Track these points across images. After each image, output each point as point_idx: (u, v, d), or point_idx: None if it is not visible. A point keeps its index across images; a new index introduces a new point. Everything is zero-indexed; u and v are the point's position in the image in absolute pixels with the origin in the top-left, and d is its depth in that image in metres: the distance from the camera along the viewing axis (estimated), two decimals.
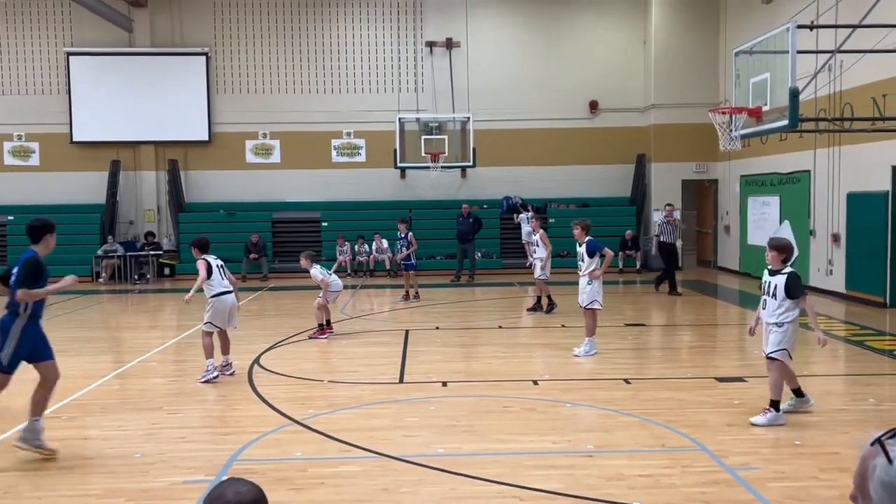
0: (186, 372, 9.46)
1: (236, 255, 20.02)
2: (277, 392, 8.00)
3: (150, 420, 7.13)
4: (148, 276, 19.73)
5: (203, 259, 8.82)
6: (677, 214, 16.82)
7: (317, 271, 10.94)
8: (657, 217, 20.86)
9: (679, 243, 16.42)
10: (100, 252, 19.67)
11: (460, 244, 18.61)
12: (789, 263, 6.87)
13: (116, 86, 21.09)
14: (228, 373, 8.82)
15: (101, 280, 19.40)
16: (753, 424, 6.64)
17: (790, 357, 6.80)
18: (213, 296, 8.74)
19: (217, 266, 8.84)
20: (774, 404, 6.72)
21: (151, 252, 20.02)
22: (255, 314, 14.39)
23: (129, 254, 19.66)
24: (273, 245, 20.76)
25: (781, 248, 6.78)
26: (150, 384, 8.75)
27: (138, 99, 21.13)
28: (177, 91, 21.27)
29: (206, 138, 21.50)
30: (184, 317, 14.39)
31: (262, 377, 8.75)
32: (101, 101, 21.05)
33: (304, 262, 11.07)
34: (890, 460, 1.48)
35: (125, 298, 17.39)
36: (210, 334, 8.65)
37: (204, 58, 21.35)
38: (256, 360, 9.59)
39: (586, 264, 9.71)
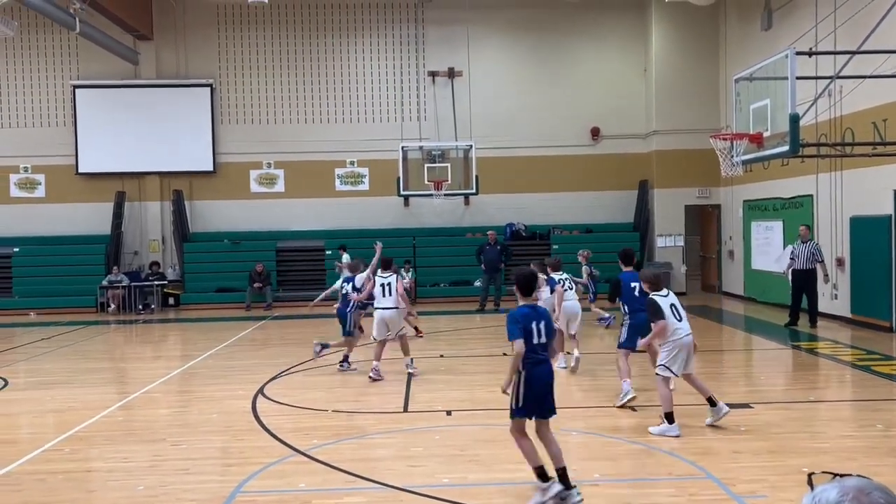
0: (191, 402, 9.45)
1: (241, 284, 20.09)
2: (281, 422, 7.97)
3: (153, 452, 7.10)
4: (152, 306, 19.75)
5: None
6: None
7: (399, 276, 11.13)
8: (661, 242, 20.91)
9: None
10: (104, 283, 19.72)
11: (487, 273, 18.39)
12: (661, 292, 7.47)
13: (122, 117, 21.29)
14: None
15: (109, 310, 19.41)
16: (650, 433, 7.17)
17: (672, 374, 7.29)
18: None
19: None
20: (667, 416, 7.17)
21: (156, 282, 20.07)
22: (260, 344, 14.37)
23: (133, 284, 19.71)
24: (277, 274, 20.79)
25: (645, 279, 7.58)
26: (155, 415, 8.72)
27: (143, 130, 21.32)
28: (182, 122, 21.48)
29: (211, 168, 21.65)
30: (189, 347, 14.40)
31: (266, 407, 8.72)
32: (107, 132, 21.23)
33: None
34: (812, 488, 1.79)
35: (129, 329, 17.40)
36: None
37: (209, 89, 21.58)
38: (261, 391, 9.57)
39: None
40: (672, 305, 7.29)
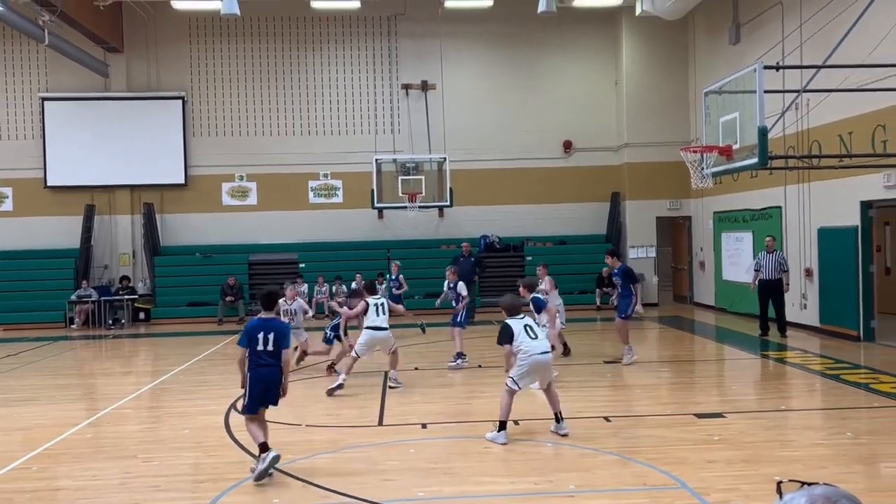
0: (162, 418, 9.32)
1: (213, 298, 19.88)
2: None
3: (123, 469, 6.98)
4: (123, 320, 19.47)
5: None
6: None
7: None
8: (633, 253, 21.09)
9: None
10: (73, 297, 19.41)
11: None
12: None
13: (91, 130, 21.06)
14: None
15: (73, 326, 19.12)
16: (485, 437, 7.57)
17: (517, 388, 7.63)
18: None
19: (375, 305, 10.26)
20: (501, 424, 7.54)
21: (126, 296, 19.80)
22: (233, 358, 14.14)
23: (103, 298, 19.42)
24: (250, 287, 20.60)
25: (503, 307, 8.00)
26: (125, 432, 8.58)
27: (113, 143, 21.10)
28: (153, 135, 21.28)
29: (183, 181, 21.47)
30: (160, 362, 14.22)
31: (239, 422, 8.59)
32: (76, 145, 20.98)
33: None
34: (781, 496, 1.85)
35: (99, 344, 17.13)
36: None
37: (180, 101, 21.43)
38: (233, 405, 9.46)
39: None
40: (526, 326, 7.75)
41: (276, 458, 6.42)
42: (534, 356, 7.58)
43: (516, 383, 7.61)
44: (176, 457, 7.43)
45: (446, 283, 13.11)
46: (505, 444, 7.40)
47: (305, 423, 8.52)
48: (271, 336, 6.54)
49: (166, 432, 8.43)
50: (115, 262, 21.38)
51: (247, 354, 6.58)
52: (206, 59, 21.72)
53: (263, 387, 6.57)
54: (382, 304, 10.39)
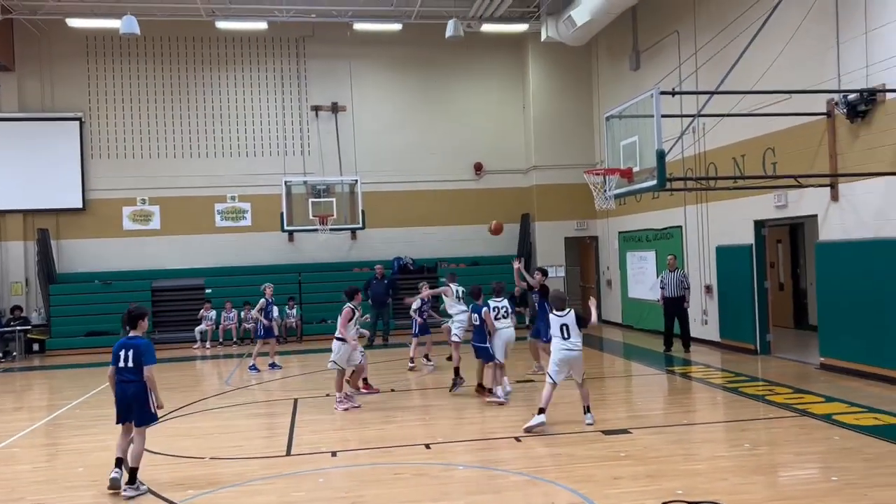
0: (56, 456, 8.81)
1: (113, 327, 18.99)
2: (155, 473, 7.52)
3: None
4: (14, 353, 18.39)
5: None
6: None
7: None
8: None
9: None
10: None
11: (375, 308, 18.07)
12: None
13: None
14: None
15: None
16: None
17: (554, 380, 8.79)
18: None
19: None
20: (539, 410, 8.69)
21: (18, 328, 18.72)
22: None
23: None
24: (154, 315, 19.82)
25: (550, 301, 9.25)
26: (14, 472, 8.04)
27: (4, 166, 20.05)
28: (47, 157, 20.34)
29: (80, 206, 20.57)
30: (54, 396, 13.48)
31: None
32: None
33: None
34: None
35: None
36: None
37: (77, 122, 20.59)
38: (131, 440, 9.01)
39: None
40: (563, 325, 8.86)
41: (114, 480, 6.97)
42: (563, 352, 8.69)
43: (553, 378, 8.74)
44: (70, 497, 7.02)
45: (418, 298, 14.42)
46: (542, 424, 8.56)
47: (209, 457, 8.20)
48: (131, 353, 7.08)
49: (60, 471, 7.96)
50: (7, 292, 20.21)
51: (115, 371, 7.17)
52: (105, 78, 20.96)
53: (124, 401, 7.07)
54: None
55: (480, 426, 9.28)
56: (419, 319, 14.13)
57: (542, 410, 8.66)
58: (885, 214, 10.83)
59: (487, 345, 10.48)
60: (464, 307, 12.14)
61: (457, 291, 12.79)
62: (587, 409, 8.94)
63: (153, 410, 7.09)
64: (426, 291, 13.94)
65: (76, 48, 20.77)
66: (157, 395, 7.09)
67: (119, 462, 7.02)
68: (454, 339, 11.93)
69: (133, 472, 6.91)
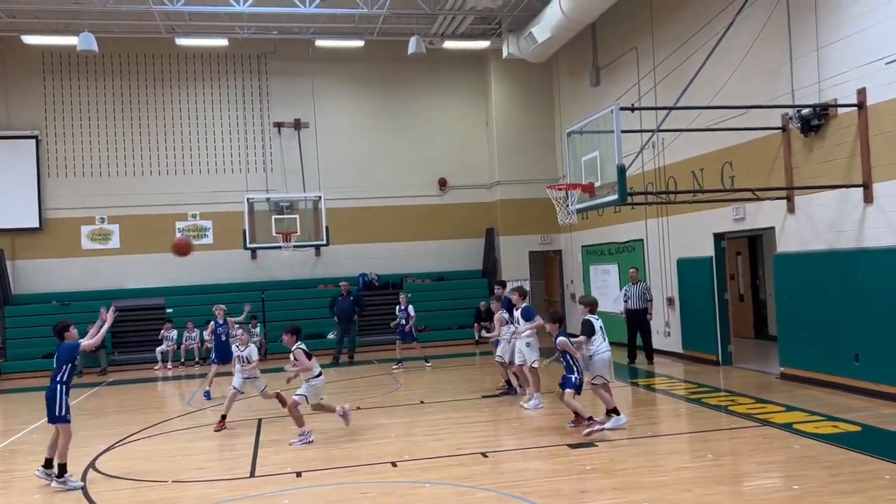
0: (10, 483, 8.55)
1: None
2: (116, 498, 7.37)
3: None
4: None
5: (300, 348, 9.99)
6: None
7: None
8: (509, 287, 21.51)
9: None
10: None
11: (340, 324, 18.01)
12: None
13: None
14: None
15: None
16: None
17: (606, 380, 9.47)
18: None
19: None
20: (612, 411, 9.27)
21: None
22: (93, 412, 13.32)
23: None
24: (113, 336, 19.42)
25: (584, 303, 9.92)
26: None
27: None
28: (2, 177, 19.96)
29: (37, 225, 20.16)
30: (10, 421, 13.12)
31: (99, 483, 8.04)
32: None
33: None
34: None
35: None
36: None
37: (34, 141, 20.21)
38: (92, 464, 8.83)
39: (523, 327, 11.31)
40: (601, 327, 9.74)
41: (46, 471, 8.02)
42: (607, 353, 9.48)
43: (604, 377, 9.38)
44: None
45: (398, 307, 16.54)
46: (624, 424, 9.21)
47: (172, 480, 8.05)
48: (54, 359, 8.06)
49: (15, 499, 7.74)
50: None
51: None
52: (62, 96, 20.63)
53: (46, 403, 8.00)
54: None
55: (447, 442, 9.25)
56: (407, 327, 16.09)
57: (616, 411, 9.31)
58: (837, 227, 11.10)
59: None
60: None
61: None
62: (616, 411, 9.39)
63: (62, 413, 7.92)
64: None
65: (32, 66, 20.43)
66: (99, 332, 8.62)
67: (48, 462, 8.00)
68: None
69: (61, 467, 7.83)
